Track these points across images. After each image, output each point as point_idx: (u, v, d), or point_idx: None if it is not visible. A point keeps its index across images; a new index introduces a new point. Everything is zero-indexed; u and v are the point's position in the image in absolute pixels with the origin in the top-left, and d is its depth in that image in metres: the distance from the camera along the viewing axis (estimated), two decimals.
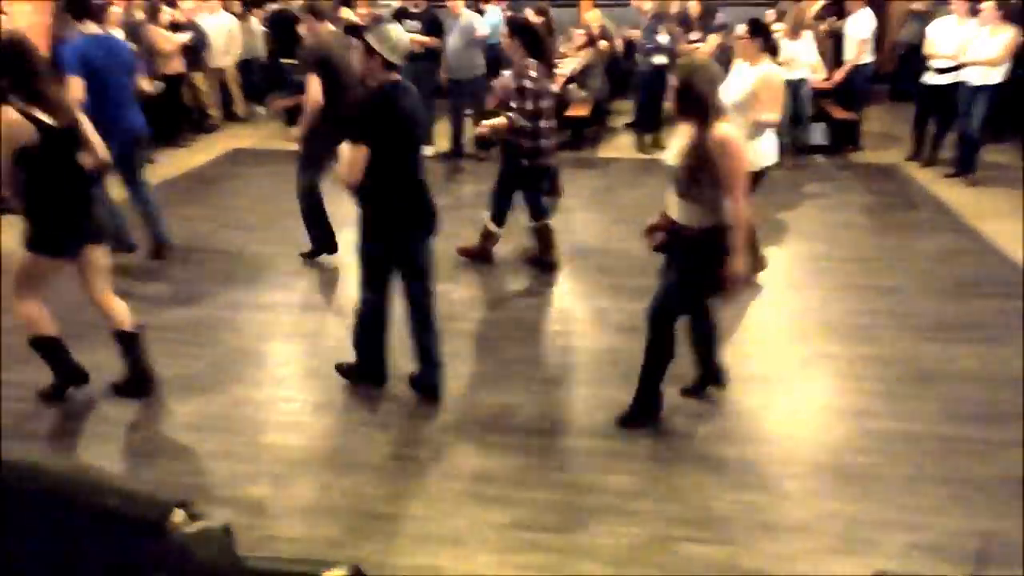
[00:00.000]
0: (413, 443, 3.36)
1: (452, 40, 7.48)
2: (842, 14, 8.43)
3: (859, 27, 7.75)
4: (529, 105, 4.66)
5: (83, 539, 0.96)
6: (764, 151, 4.54)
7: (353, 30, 3.40)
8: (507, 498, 3.00)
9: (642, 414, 3.39)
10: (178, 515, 0.94)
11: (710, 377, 3.57)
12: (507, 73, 4.74)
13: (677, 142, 3.14)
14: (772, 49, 4.68)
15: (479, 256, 5.17)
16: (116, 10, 7.31)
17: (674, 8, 7.85)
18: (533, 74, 4.69)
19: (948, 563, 2.63)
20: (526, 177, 4.86)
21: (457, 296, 4.79)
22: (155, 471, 3.23)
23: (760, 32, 4.48)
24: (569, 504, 2.97)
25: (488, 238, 5.12)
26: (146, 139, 5.28)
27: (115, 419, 3.52)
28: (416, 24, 7.56)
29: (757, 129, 4.46)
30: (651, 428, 3.39)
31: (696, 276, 3.14)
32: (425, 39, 7.51)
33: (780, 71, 4.55)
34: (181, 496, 1.00)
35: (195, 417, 3.55)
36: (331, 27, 5.14)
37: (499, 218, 5.05)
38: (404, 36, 3.28)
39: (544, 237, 5.07)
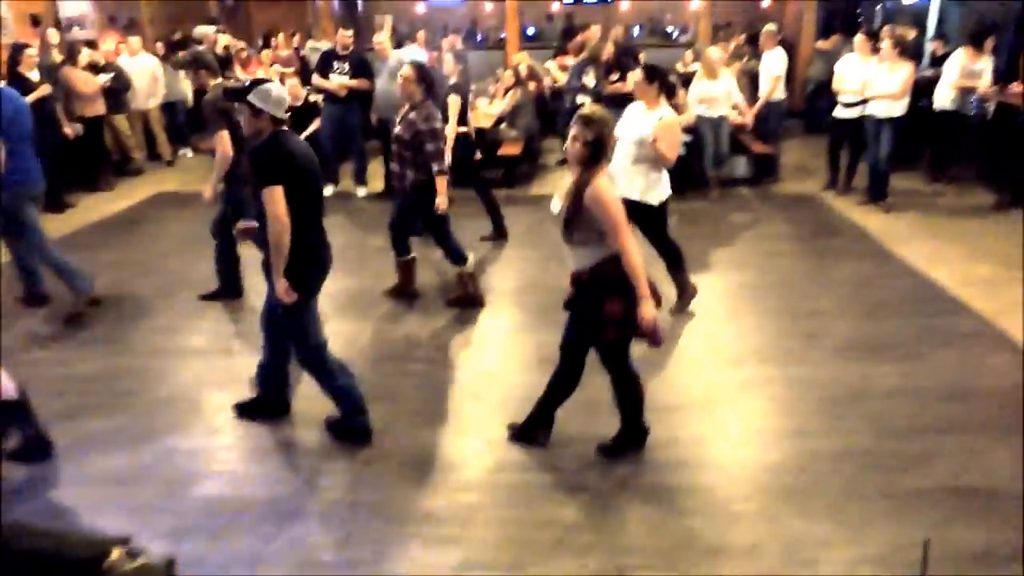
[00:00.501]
0: (356, 487, 3.28)
1: (381, 82, 7.54)
2: (758, 54, 8.90)
3: (773, 65, 8.20)
4: (441, 145, 4.81)
5: None
6: (662, 187, 4.75)
7: (234, 93, 3.39)
8: (456, 538, 2.95)
9: (531, 436, 3.51)
10: (116, 553, 0.91)
11: (630, 437, 3.48)
12: (412, 116, 4.77)
13: (560, 191, 3.17)
14: (669, 92, 4.91)
15: (407, 293, 5.26)
16: (30, 52, 7.08)
17: (604, 53, 8.13)
18: (439, 115, 4.86)
19: (893, 573, 2.71)
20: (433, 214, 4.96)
21: (395, 335, 4.74)
22: (82, 530, 3.04)
23: (655, 77, 4.66)
24: (519, 540, 2.93)
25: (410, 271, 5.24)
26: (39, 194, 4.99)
27: (35, 476, 3.32)
28: (344, 66, 7.59)
29: (654, 168, 4.66)
30: (596, 460, 3.40)
31: (592, 315, 3.15)
32: (353, 82, 7.54)
33: (674, 114, 4.76)
34: (119, 536, 0.96)
35: (124, 470, 3.38)
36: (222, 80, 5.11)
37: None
38: (283, 91, 3.34)
39: (469, 280, 5.14)
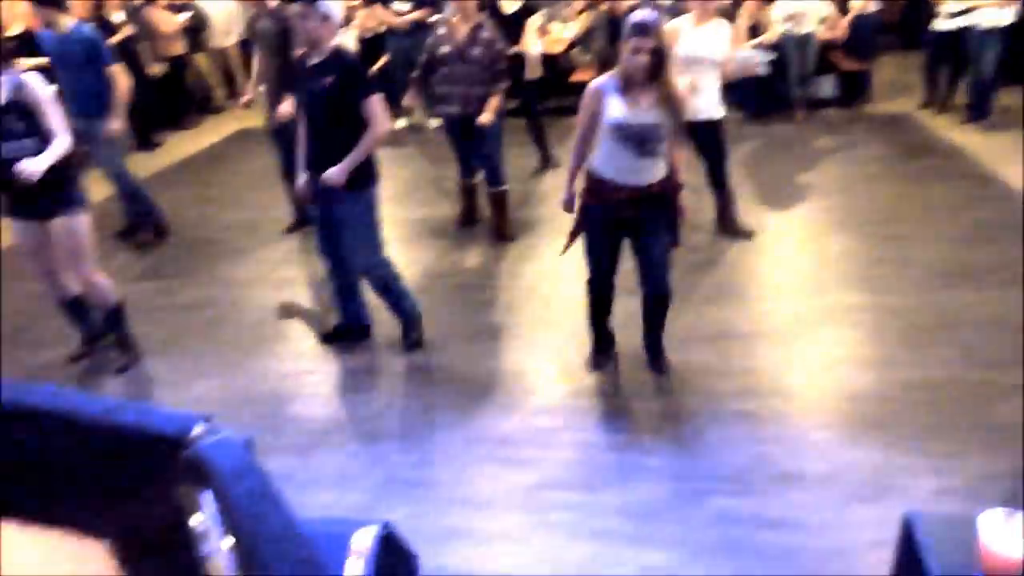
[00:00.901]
0: (435, 409, 3.39)
1: (449, 11, 7.39)
2: None
3: None
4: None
5: (105, 455, 0.99)
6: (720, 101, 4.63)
7: None
8: (531, 460, 3.03)
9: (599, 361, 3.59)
10: (199, 428, 0.98)
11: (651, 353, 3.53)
12: (485, 35, 4.77)
13: (626, 105, 3.05)
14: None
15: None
16: None
17: None
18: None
19: (979, 505, 2.63)
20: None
21: (469, 264, 4.80)
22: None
23: None
24: (592, 462, 2.99)
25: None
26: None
27: (135, 397, 3.57)
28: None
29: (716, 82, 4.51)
30: (671, 385, 3.40)
31: (671, 220, 3.33)
32: (416, 14, 7.46)
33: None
34: (201, 413, 1.03)
35: (217, 394, 3.59)
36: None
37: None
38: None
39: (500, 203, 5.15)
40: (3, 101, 3.20)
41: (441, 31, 4.87)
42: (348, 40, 8.71)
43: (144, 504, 1.05)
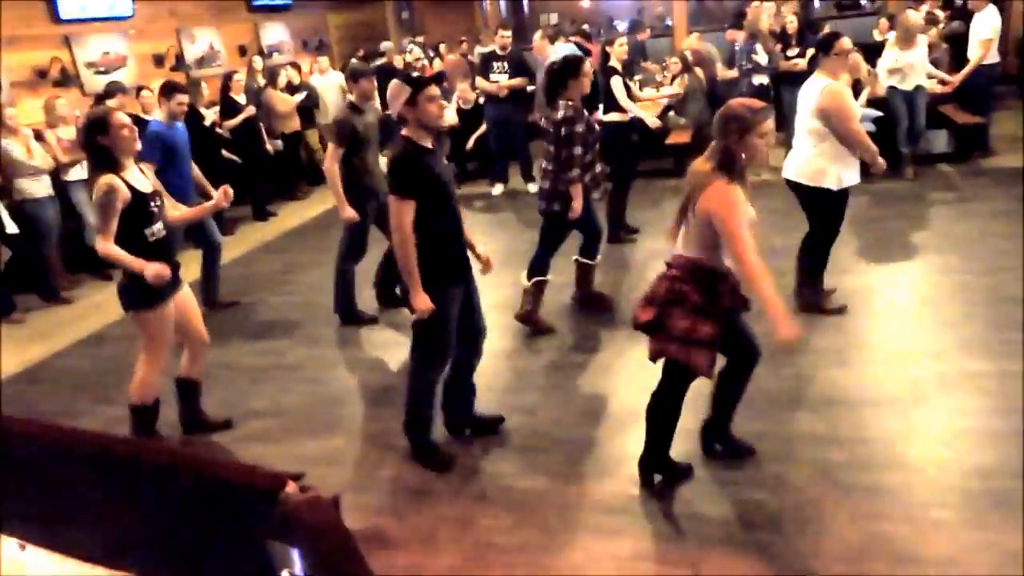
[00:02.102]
0: (528, 474, 3.34)
1: (540, 79, 7.64)
2: (962, 16, 8.00)
3: (984, 25, 7.28)
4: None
5: (202, 508, 1.04)
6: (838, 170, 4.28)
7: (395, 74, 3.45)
8: (625, 529, 2.92)
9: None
10: (291, 486, 1.02)
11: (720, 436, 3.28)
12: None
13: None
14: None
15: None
16: (239, 78, 7.94)
17: (764, 26, 7.67)
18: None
19: None
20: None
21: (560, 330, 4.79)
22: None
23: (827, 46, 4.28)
24: (691, 535, 2.85)
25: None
26: None
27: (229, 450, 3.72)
28: (503, 66, 7.78)
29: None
30: (780, 454, 3.23)
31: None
32: (512, 82, 7.71)
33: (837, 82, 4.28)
34: (292, 472, 1.07)
35: (315, 452, 3.69)
36: None
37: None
38: None
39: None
40: (150, 189, 3.48)
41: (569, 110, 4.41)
42: (449, 112, 9.14)
43: (235, 558, 1.09)
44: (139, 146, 3.45)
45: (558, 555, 2.83)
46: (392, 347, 4.77)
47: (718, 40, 9.14)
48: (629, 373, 4.07)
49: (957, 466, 3.08)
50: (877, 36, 8.80)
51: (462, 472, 3.42)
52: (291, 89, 9.00)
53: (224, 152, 7.81)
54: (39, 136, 6.37)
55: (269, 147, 8.39)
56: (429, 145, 3.13)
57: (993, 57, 7.40)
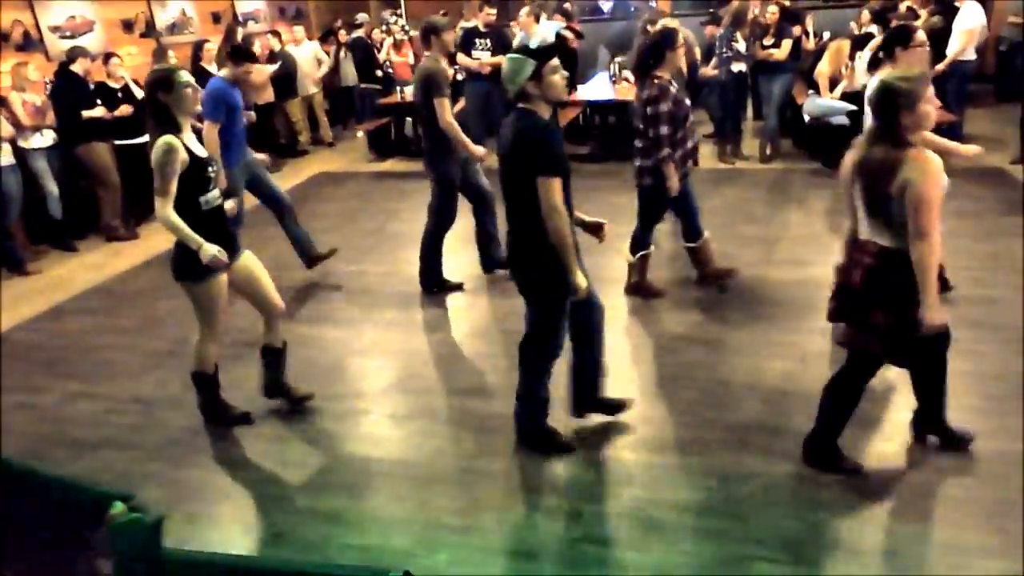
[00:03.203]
0: (485, 456, 3.37)
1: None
2: (944, 12, 8.04)
3: (966, 20, 7.33)
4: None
5: (34, 524, 1.09)
6: None
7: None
8: (578, 513, 2.96)
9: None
10: (117, 507, 1.05)
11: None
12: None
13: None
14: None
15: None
16: (210, 47, 7.79)
17: (748, 15, 7.65)
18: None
19: None
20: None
21: None
22: (238, 482, 3.37)
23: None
24: (639, 519, 2.90)
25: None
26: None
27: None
28: (486, 43, 7.70)
29: None
30: (729, 440, 3.28)
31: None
32: (496, 59, 7.64)
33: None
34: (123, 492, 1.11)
35: (276, 429, 3.68)
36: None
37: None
38: None
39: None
40: (205, 154, 3.40)
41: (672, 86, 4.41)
42: None
43: (70, 564, 1.15)
44: (199, 108, 3.36)
45: (511, 536, 2.86)
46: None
47: (697, 29, 9.12)
48: None
49: (902, 460, 3.15)
50: (855, 29, 8.83)
51: (416, 454, 3.43)
52: (267, 59, 8.84)
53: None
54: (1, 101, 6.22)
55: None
56: (549, 120, 3.03)
57: (970, 54, 7.47)
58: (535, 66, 2.93)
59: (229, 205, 3.57)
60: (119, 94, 6.89)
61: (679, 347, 4.20)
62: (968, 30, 7.29)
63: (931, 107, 2.67)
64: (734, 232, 5.74)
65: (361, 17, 10.38)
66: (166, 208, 3.17)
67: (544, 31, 7.82)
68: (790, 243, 5.56)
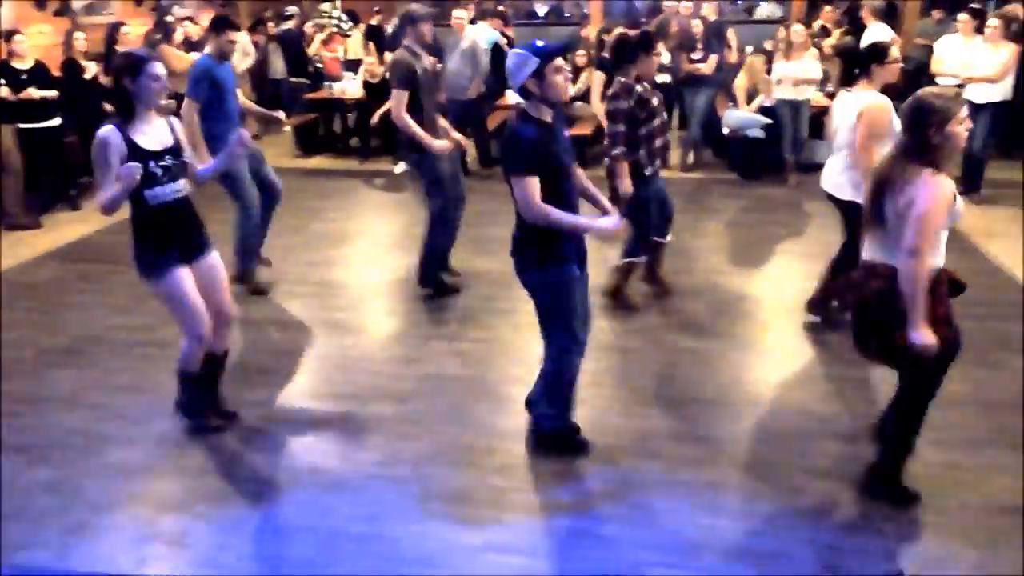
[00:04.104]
0: (391, 463, 3.37)
1: (453, 60, 7.51)
2: (856, 32, 8.42)
3: (874, 39, 7.66)
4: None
5: None
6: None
7: None
8: (481, 520, 3.00)
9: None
10: None
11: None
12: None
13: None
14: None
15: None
16: (126, 31, 7.51)
17: (673, 27, 7.85)
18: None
19: None
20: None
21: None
22: (134, 489, 3.28)
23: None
24: (541, 526, 2.96)
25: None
26: None
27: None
28: None
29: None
30: (634, 450, 3.38)
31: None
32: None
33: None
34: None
35: (177, 435, 3.59)
36: None
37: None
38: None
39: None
40: (172, 143, 3.23)
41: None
42: (353, 86, 8.92)
43: None
44: (161, 102, 3.21)
45: (415, 545, 2.87)
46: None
47: None
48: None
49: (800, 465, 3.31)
50: (768, 46, 9.16)
51: (331, 459, 3.40)
52: (189, 46, 8.55)
53: (106, 106, 7.33)
54: None
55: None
56: (549, 120, 2.98)
57: None
58: (538, 64, 2.88)
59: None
60: (24, 76, 6.56)
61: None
62: None
63: (963, 128, 2.63)
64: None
65: (291, 9, 10.15)
66: (102, 199, 3.10)
67: (474, 34, 7.83)
68: (706, 252, 5.75)
